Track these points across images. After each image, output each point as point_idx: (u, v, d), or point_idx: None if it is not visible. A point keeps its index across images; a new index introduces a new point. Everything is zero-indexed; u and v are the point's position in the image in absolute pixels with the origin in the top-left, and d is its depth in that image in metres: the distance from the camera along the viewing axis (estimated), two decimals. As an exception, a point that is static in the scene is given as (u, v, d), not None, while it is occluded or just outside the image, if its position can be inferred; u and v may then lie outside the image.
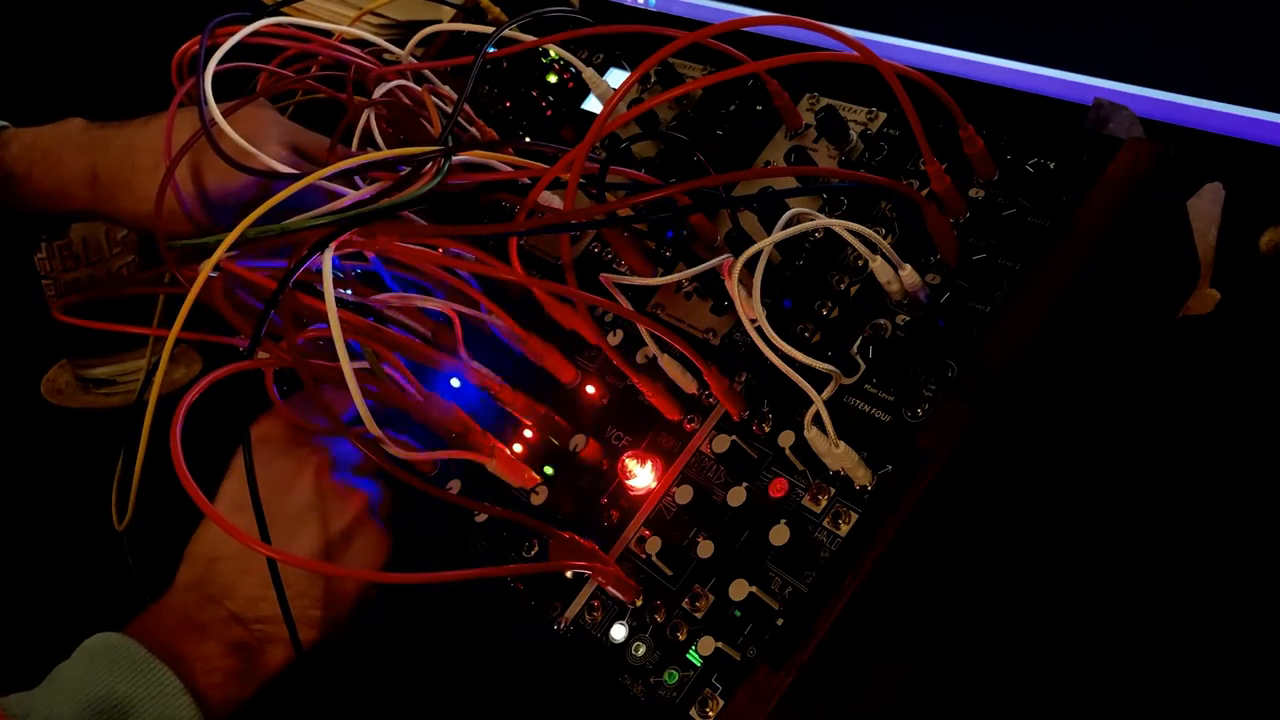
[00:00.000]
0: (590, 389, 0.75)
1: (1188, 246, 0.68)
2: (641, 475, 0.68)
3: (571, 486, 0.71)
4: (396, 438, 0.66)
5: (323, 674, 0.68)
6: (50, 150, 0.85)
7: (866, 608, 0.58)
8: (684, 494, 0.64)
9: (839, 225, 0.60)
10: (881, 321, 0.65)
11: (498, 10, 1.05)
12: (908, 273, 0.62)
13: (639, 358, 0.72)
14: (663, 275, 0.73)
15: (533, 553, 0.71)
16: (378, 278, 0.76)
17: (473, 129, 0.86)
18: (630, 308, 0.66)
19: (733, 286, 0.62)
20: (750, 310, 0.60)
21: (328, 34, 0.85)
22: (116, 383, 1.02)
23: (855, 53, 0.59)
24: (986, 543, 0.64)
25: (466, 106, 0.85)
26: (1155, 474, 0.65)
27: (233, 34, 0.76)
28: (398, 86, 0.81)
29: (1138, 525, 0.64)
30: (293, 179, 0.66)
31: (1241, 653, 0.59)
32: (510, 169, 0.74)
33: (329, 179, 0.67)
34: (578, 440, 0.72)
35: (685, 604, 0.63)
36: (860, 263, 0.66)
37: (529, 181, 0.72)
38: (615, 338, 0.75)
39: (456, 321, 0.74)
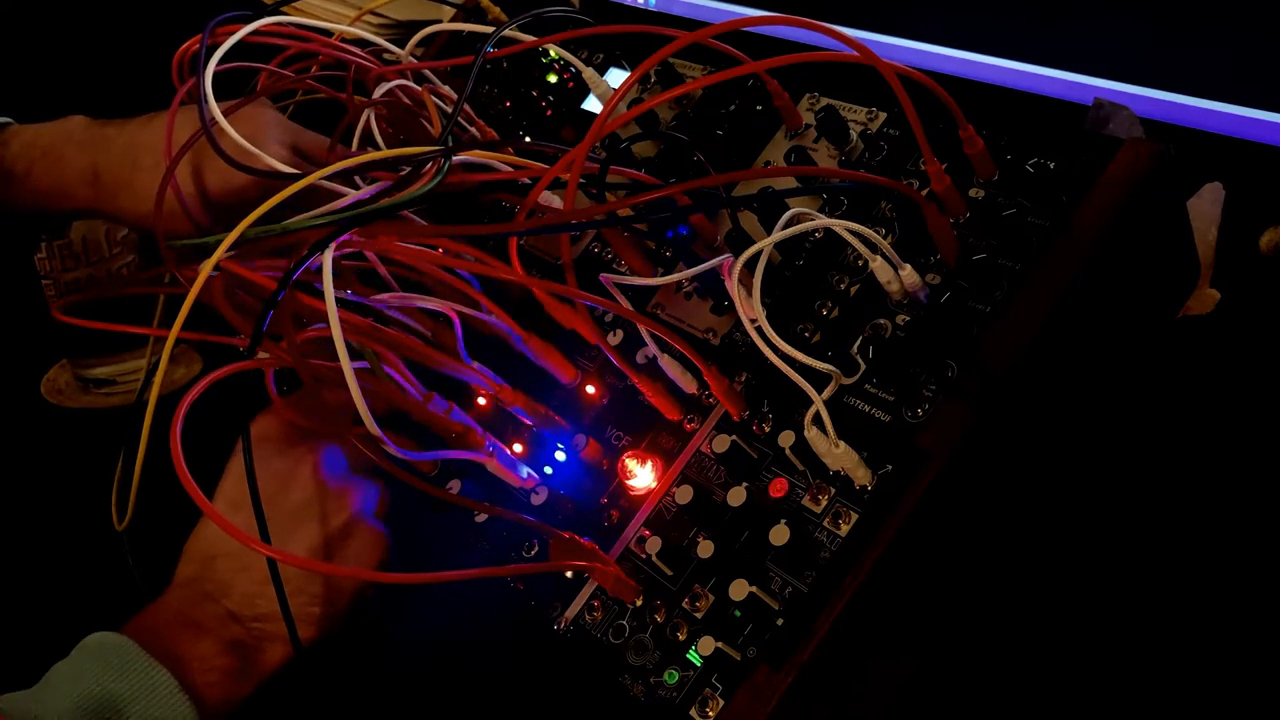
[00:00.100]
0: (590, 389, 0.75)
1: (1188, 246, 0.68)
2: (641, 475, 0.68)
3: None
4: (396, 437, 0.66)
5: (321, 673, 0.68)
6: (51, 148, 0.85)
7: (866, 608, 0.58)
8: (684, 494, 0.64)
9: (839, 225, 0.60)
10: (881, 321, 0.65)
11: (498, 10, 1.05)
12: (908, 273, 0.62)
13: (639, 358, 0.72)
14: (663, 275, 0.74)
15: (533, 553, 0.71)
16: (378, 277, 0.76)
17: (473, 129, 0.86)
18: (630, 308, 0.66)
19: (733, 286, 0.62)
20: (750, 310, 0.60)
21: (328, 34, 0.85)
22: (116, 383, 1.02)
23: (855, 53, 0.59)
24: (986, 543, 0.64)
25: (466, 106, 0.85)
26: (1155, 474, 0.65)
27: (233, 33, 0.76)
28: (398, 86, 0.81)
29: (1138, 525, 0.64)
30: (293, 179, 0.66)
31: (1241, 653, 0.59)
32: (510, 169, 0.74)
33: (329, 179, 0.67)
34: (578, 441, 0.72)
35: (685, 604, 0.63)
36: (860, 263, 0.66)
37: (529, 181, 0.72)
38: (615, 338, 0.75)
39: (456, 321, 0.73)
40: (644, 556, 0.66)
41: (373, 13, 1.14)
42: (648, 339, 0.67)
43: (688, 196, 0.68)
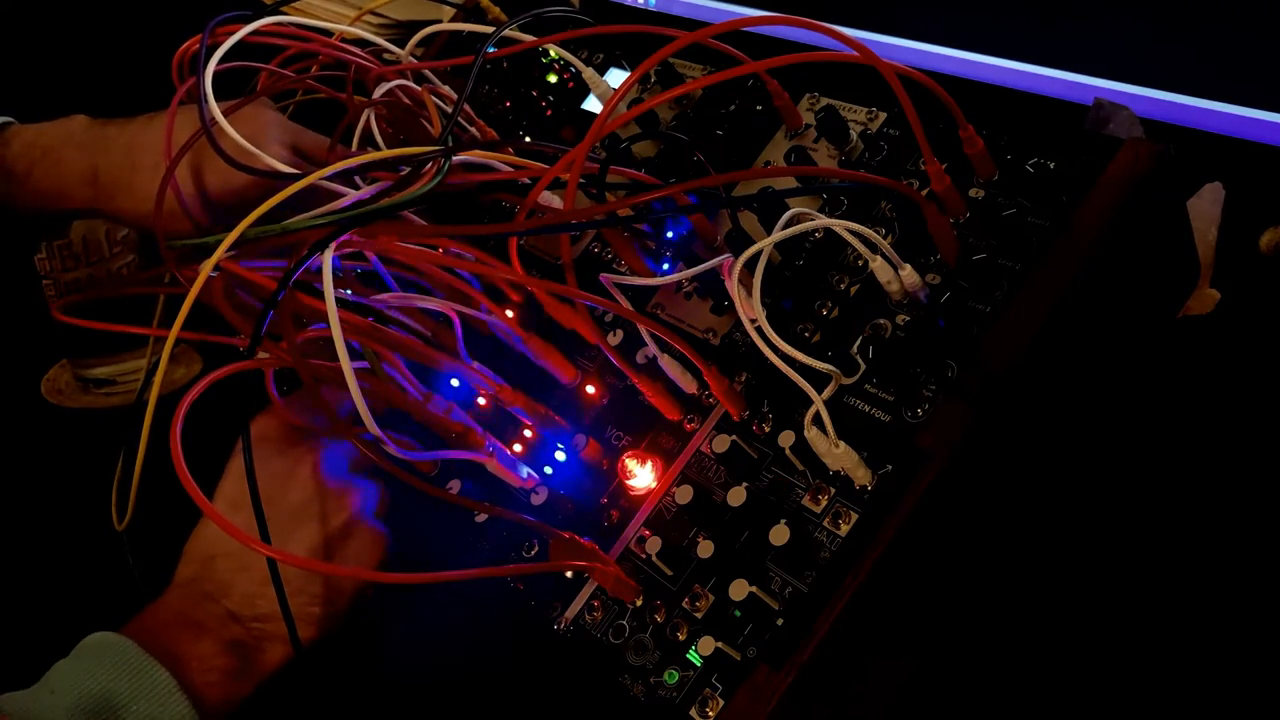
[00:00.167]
0: (590, 389, 0.75)
1: (1188, 246, 0.68)
2: (641, 475, 0.68)
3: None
4: (397, 438, 0.66)
5: (321, 673, 0.68)
6: (52, 148, 0.85)
7: (866, 608, 0.58)
8: (684, 494, 0.64)
9: (839, 225, 0.60)
10: (881, 321, 0.65)
11: (498, 10, 1.05)
12: (908, 273, 0.62)
13: (639, 358, 0.72)
14: (663, 275, 0.74)
15: (533, 553, 0.71)
16: (378, 277, 0.76)
17: (473, 129, 0.86)
18: (630, 308, 0.66)
19: (733, 286, 0.62)
20: (750, 310, 0.60)
21: (328, 33, 0.85)
22: (116, 383, 1.02)
23: (855, 53, 0.59)
24: (986, 543, 0.64)
25: (466, 106, 0.85)
26: (1155, 474, 0.65)
27: (233, 33, 0.76)
28: (398, 86, 0.81)
29: (1138, 525, 0.64)
30: (293, 179, 0.66)
31: (1241, 652, 0.59)
32: (510, 169, 0.74)
33: (329, 179, 0.67)
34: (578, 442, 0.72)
35: (685, 604, 0.63)
36: (860, 263, 0.66)
37: (529, 181, 0.72)
38: (615, 338, 0.75)
39: (456, 321, 0.73)
40: (644, 556, 0.66)
41: (373, 13, 1.14)
42: (648, 339, 0.67)
43: (687, 196, 0.68)
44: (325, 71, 0.86)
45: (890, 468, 0.60)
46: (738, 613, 0.59)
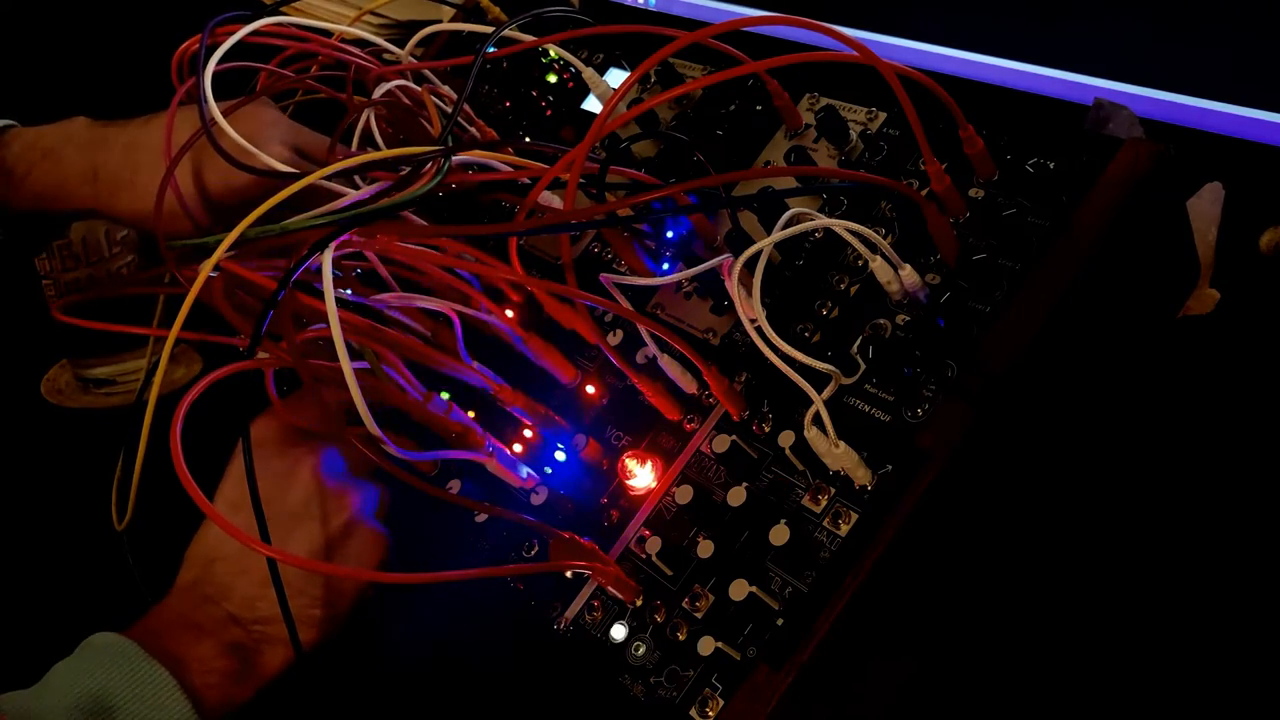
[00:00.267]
0: (590, 389, 0.75)
1: (1188, 246, 0.68)
2: (641, 475, 0.68)
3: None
4: (396, 437, 0.66)
5: (322, 674, 0.68)
6: (52, 149, 0.85)
7: (866, 608, 0.58)
8: (684, 494, 0.64)
9: (839, 225, 0.60)
10: (881, 321, 0.65)
11: (498, 10, 1.05)
12: (908, 273, 0.62)
13: (639, 358, 0.72)
14: (663, 275, 0.74)
15: (533, 553, 0.71)
16: (378, 277, 0.76)
17: (473, 129, 0.86)
18: (630, 308, 0.66)
19: (733, 286, 0.62)
20: (750, 310, 0.60)
21: (327, 34, 0.85)
22: (116, 383, 1.02)
23: (855, 53, 0.59)
24: (986, 543, 0.64)
25: (466, 106, 0.85)
26: (1155, 474, 0.65)
27: (233, 33, 0.76)
28: (397, 86, 0.81)
29: (1138, 525, 0.64)
30: (293, 179, 0.66)
31: (1241, 652, 0.59)
32: (510, 169, 0.74)
33: (329, 179, 0.67)
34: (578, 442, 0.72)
35: (685, 604, 0.63)
36: (860, 263, 0.66)
37: (529, 181, 0.72)
38: (615, 338, 0.75)
39: (456, 321, 0.73)
40: (644, 556, 0.66)
41: (373, 13, 1.14)
42: (648, 339, 0.67)
43: (687, 196, 0.68)
44: (325, 72, 0.86)
45: (890, 468, 0.60)
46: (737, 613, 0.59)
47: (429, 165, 0.69)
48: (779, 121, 0.77)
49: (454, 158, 0.70)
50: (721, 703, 0.59)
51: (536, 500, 0.72)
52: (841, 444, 0.59)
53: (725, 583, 0.61)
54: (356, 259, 0.75)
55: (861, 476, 0.60)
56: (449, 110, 0.76)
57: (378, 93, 0.79)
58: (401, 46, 0.88)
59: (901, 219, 0.67)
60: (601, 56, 0.92)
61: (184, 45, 0.82)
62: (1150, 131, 0.72)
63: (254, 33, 0.77)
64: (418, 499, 0.64)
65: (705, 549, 0.63)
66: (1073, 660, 0.62)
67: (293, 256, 0.63)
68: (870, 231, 0.60)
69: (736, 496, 0.63)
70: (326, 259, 0.61)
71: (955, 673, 0.64)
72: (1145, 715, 0.60)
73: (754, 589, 0.59)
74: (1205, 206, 0.71)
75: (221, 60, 0.74)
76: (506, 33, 0.78)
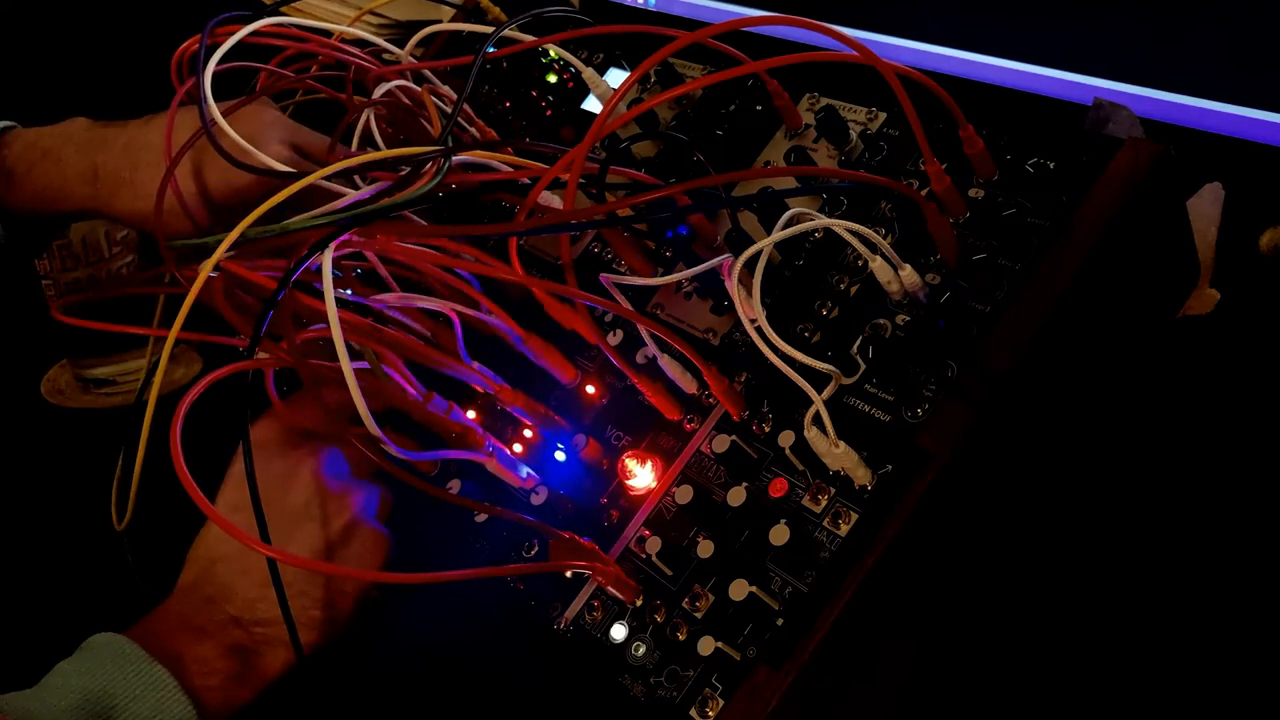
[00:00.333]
0: (590, 389, 0.75)
1: (1188, 246, 0.68)
2: (641, 475, 0.68)
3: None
4: (396, 437, 0.66)
5: (322, 675, 0.68)
6: (52, 149, 0.85)
7: (866, 608, 0.58)
8: (684, 494, 0.64)
9: (839, 225, 0.60)
10: (881, 321, 0.65)
11: (498, 10, 1.05)
12: (908, 273, 0.62)
13: (639, 358, 0.72)
14: (662, 275, 0.74)
15: (533, 553, 0.71)
16: (378, 277, 0.76)
17: (473, 129, 0.86)
18: (630, 308, 0.66)
19: (733, 286, 0.62)
20: (750, 310, 0.60)
21: (327, 34, 0.85)
22: (116, 383, 1.02)
23: (855, 53, 0.59)
24: (987, 542, 0.64)
25: (466, 106, 0.85)
26: (1155, 474, 0.65)
27: (232, 33, 0.76)
28: (397, 86, 0.81)
29: (1138, 525, 0.64)
30: (293, 179, 0.66)
31: (1242, 652, 0.59)
32: (510, 169, 0.74)
33: (329, 179, 0.67)
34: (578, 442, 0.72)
35: (685, 604, 0.63)
36: (860, 263, 0.66)
37: (529, 181, 0.72)
38: (615, 338, 0.75)
39: (456, 321, 0.73)
40: (644, 556, 0.66)
41: (372, 13, 1.14)
42: (648, 339, 0.67)
43: (688, 196, 0.68)
44: (325, 72, 0.86)
45: (890, 468, 0.60)
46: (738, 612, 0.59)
47: (429, 165, 0.69)
48: (779, 121, 0.77)
49: (454, 158, 0.70)
50: (721, 703, 0.59)
51: (536, 500, 0.72)
52: (841, 444, 0.59)
53: (725, 583, 0.61)
54: (356, 259, 0.75)
55: (861, 476, 0.60)
56: (449, 110, 0.76)
57: (377, 93, 0.79)
58: (401, 46, 0.88)
59: (901, 219, 0.67)
60: (601, 56, 0.92)
61: (184, 45, 0.82)
62: (1150, 131, 0.72)
63: (254, 33, 0.77)
64: (418, 499, 0.64)
65: (705, 549, 0.63)
66: (1073, 660, 0.62)
67: (293, 256, 0.63)
68: (870, 231, 0.60)
69: (736, 496, 0.63)
70: (326, 259, 0.61)
71: (955, 673, 0.64)
72: (1145, 715, 0.60)
73: (754, 589, 0.59)
74: (1205, 206, 0.71)
75: (221, 60, 0.74)
76: (506, 33, 0.78)
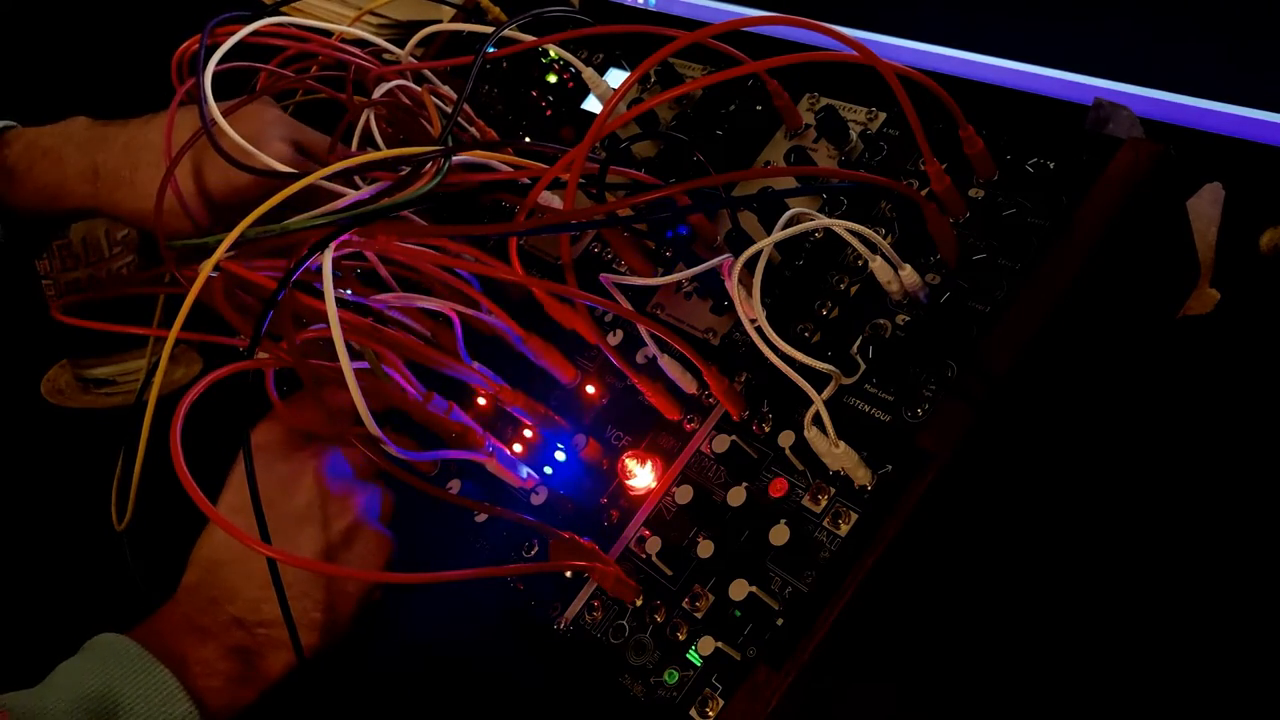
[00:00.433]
0: (590, 389, 0.75)
1: (1188, 246, 0.68)
2: (641, 475, 0.68)
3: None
4: (396, 437, 0.66)
5: (322, 675, 0.68)
6: (52, 148, 0.85)
7: (867, 608, 0.58)
8: (684, 494, 0.64)
9: (839, 225, 0.60)
10: (881, 321, 0.65)
11: (498, 10, 1.05)
12: (908, 273, 0.62)
13: (639, 358, 0.72)
14: (663, 275, 0.74)
15: (533, 553, 0.71)
16: (378, 277, 0.76)
17: (473, 129, 0.86)
18: (630, 308, 0.66)
19: (733, 286, 0.62)
20: (750, 310, 0.60)
21: (327, 34, 0.85)
22: (116, 383, 1.02)
23: (855, 53, 0.59)
24: (987, 542, 0.64)
25: (466, 106, 0.85)
26: (1155, 474, 0.65)
27: (232, 33, 0.76)
28: (397, 86, 0.81)
29: (1137, 524, 0.64)
30: (293, 179, 0.66)
31: (1242, 653, 0.59)
32: (510, 169, 0.74)
33: (329, 179, 0.67)
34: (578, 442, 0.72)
35: (685, 604, 0.63)
36: (860, 263, 0.66)
37: (529, 181, 0.72)
38: (615, 338, 0.75)
39: (456, 321, 0.74)
40: (644, 556, 0.66)
41: (372, 13, 1.14)
42: (648, 339, 0.67)
43: (688, 196, 0.68)
44: (325, 72, 0.86)
45: (890, 468, 0.60)
46: (738, 613, 0.59)
47: (429, 165, 0.69)
48: (779, 121, 0.77)
49: (454, 158, 0.70)
50: (721, 703, 0.59)
51: (536, 500, 0.72)
52: (841, 444, 0.59)
53: (725, 583, 0.61)
54: (356, 259, 0.75)
55: (861, 476, 0.60)
56: (449, 110, 0.76)
57: (378, 93, 0.79)
58: (401, 46, 0.88)
59: (901, 219, 0.67)
60: (601, 56, 0.92)
61: (184, 45, 0.82)
62: (1150, 131, 0.72)
63: (254, 33, 0.77)
64: (418, 499, 0.64)
65: (705, 549, 0.63)
66: (1074, 657, 0.62)
67: (293, 256, 0.63)
68: (870, 231, 0.60)
69: (736, 496, 0.63)
70: (326, 259, 0.61)
71: (955, 673, 0.64)
72: (1145, 714, 0.60)
73: (754, 589, 0.59)
74: (1205, 206, 0.71)
75: (221, 60, 0.74)
76: (506, 33, 0.78)
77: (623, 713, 0.63)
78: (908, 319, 0.64)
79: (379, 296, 0.74)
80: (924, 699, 0.64)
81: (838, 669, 0.58)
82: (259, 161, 0.72)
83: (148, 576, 0.73)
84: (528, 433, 0.75)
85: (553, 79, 0.93)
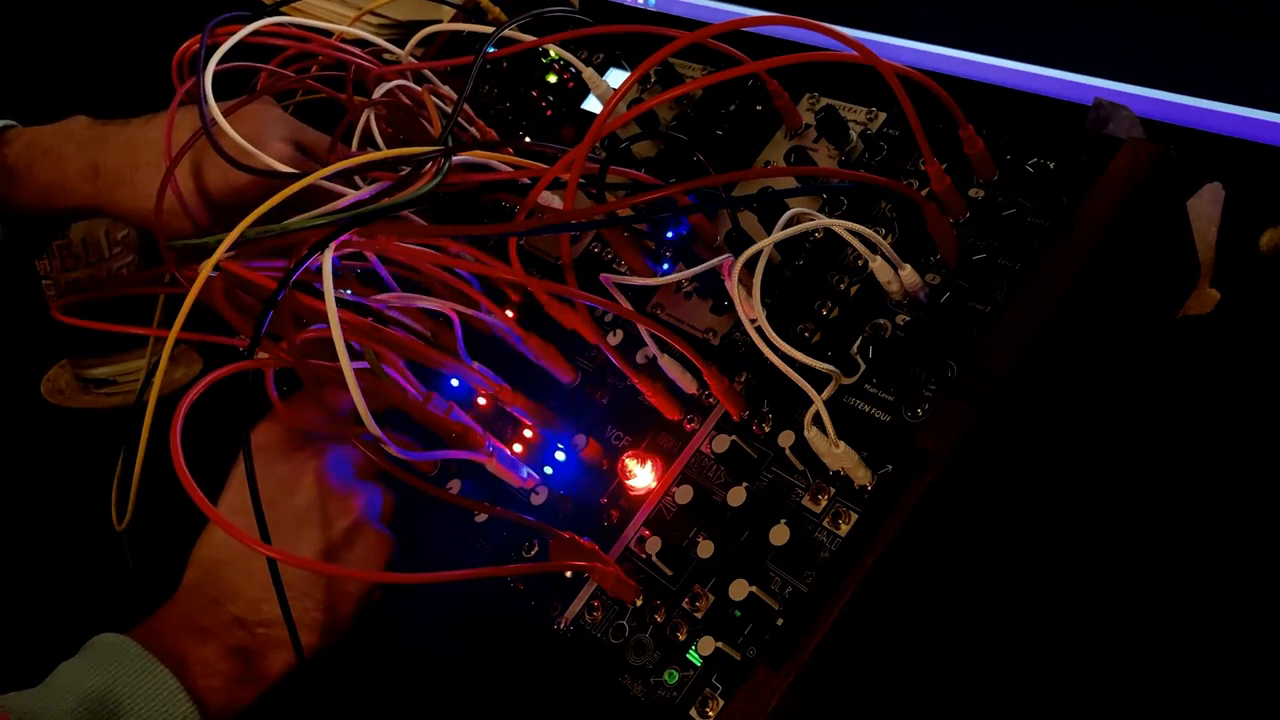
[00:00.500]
0: (590, 389, 0.75)
1: (1188, 246, 0.68)
2: (641, 475, 0.68)
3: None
4: (396, 437, 0.66)
5: (322, 675, 0.68)
6: (52, 147, 0.85)
7: (867, 608, 0.58)
8: (684, 494, 0.64)
9: (839, 225, 0.60)
10: (881, 321, 0.65)
11: (498, 10, 1.05)
12: (908, 273, 0.62)
13: (639, 358, 0.72)
14: (663, 275, 0.74)
15: (533, 553, 0.71)
16: (378, 277, 0.76)
17: (473, 129, 0.86)
18: (630, 308, 0.66)
19: (733, 286, 0.62)
20: (750, 310, 0.60)
21: (328, 34, 0.85)
22: (116, 383, 1.02)
23: (855, 53, 0.59)
24: (987, 542, 0.64)
25: (466, 106, 0.85)
26: (1155, 474, 0.65)
27: (233, 33, 0.76)
28: (398, 86, 0.81)
29: (1137, 524, 0.64)
30: (293, 178, 0.66)
31: (1242, 654, 0.59)
32: (510, 169, 0.74)
33: (329, 179, 0.67)
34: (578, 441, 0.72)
35: (685, 604, 0.63)
36: (860, 263, 0.66)
37: (529, 181, 0.72)
38: (615, 338, 0.75)
39: (456, 321, 0.74)
40: (644, 556, 0.66)
41: (373, 13, 1.14)
42: (648, 339, 0.67)
43: (688, 196, 0.68)
44: (325, 72, 0.86)
45: (890, 468, 0.60)
46: (738, 613, 0.59)
47: (429, 165, 0.69)
48: (779, 121, 0.77)
49: (454, 158, 0.70)
50: (721, 703, 0.59)
51: (536, 500, 0.72)
52: (841, 444, 0.59)
53: (725, 583, 0.61)
54: (356, 259, 0.75)
55: (861, 476, 0.60)
56: (449, 110, 0.76)
57: (378, 93, 0.79)
58: (401, 46, 0.88)
59: (901, 219, 0.67)
60: (601, 56, 0.92)
61: (184, 45, 0.82)
62: (1150, 131, 0.72)
63: (254, 33, 0.77)
64: (418, 499, 0.64)
65: (705, 549, 0.63)
66: (1075, 658, 0.62)
67: (293, 256, 0.63)
68: (870, 231, 0.60)
69: (736, 496, 0.63)
70: (326, 259, 0.61)
71: (955, 673, 0.64)
72: (1145, 714, 0.60)
73: (754, 589, 0.59)
74: (1205, 206, 0.71)
75: (222, 60, 0.74)
76: (506, 33, 0.78)
77: (623, 713, 0.63)
78: (908, 319, 0.64)
79: (379, 296, 0.74)
80: (924, 699, 0.64)
81: (838, 669, 0.58)
82: (259, 161, 0.72)
83: (148, 576, 0.73)
84: (528, 433, 0.75)
85: (553, 79, 0.93)
